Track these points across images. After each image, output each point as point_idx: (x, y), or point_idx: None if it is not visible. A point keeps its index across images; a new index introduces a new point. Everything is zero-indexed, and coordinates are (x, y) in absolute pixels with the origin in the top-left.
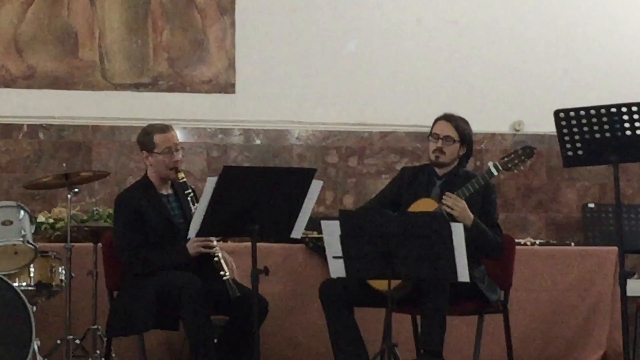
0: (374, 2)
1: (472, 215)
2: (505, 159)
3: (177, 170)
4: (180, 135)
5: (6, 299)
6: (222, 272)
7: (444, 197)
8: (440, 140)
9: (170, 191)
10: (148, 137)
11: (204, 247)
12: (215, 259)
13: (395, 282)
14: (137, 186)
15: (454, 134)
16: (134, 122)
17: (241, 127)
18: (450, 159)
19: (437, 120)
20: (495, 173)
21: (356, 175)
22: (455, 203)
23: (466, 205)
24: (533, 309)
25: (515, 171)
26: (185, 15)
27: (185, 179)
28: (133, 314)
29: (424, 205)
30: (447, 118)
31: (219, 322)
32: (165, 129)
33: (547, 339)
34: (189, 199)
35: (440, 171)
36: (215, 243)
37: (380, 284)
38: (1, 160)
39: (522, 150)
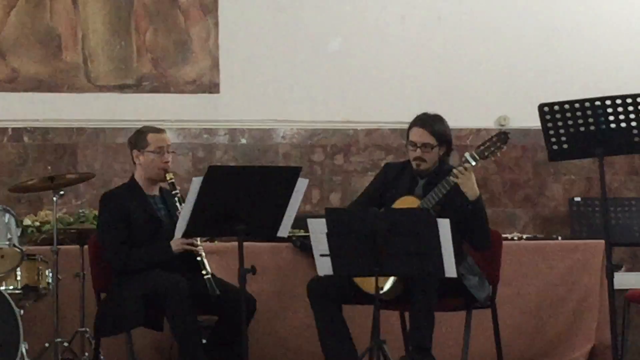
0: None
1: (477, 191)
2: (481, 147)
3: (166, 171)
4: None
5: None
6: (203, 272)
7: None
8: (419, 149)
9: (156, 193)
10: (141, 135)
11: (188, 244)
12: (198, 258)
13: (383, 284)
14: (123, 187)
15: (431, 139)
16: (119, 123)
17: (226, 126)
18: (432, 163)
19: (411, 126)
20: (473, 163)
21: (342, 173)
22: (463, 173)
23: (474, 178)
24: (521, 304)
25: (493, 158)
26: (169, 16)
27: (173, 180)
28: (121, 312)
29: (406, 203)
30: (422, 124)
31: (207, 323)
32: (159, 130)
33: (535, 333)
34: (176, 198)
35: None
36: (198, 242)
37: (369, 286)
38: None
39: (496, 137)
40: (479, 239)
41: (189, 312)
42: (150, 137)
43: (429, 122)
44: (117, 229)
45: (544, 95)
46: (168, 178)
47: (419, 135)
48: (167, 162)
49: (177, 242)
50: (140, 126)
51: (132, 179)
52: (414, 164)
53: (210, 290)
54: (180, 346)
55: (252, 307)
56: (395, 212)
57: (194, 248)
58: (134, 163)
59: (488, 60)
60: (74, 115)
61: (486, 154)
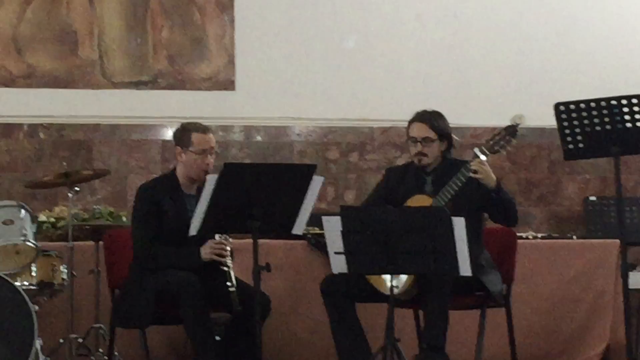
0: None
1: (494, 177)
2: (491, 141)
3: (206, 173)
4: None
5: (8, 299)
6: (228, 284)
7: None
8: (419, 144)
9: (193, 192)
10: (186, 133)
11: (217, 255)
12: (225, 268)
13: (399, 284)
14: (163, 180)
15: (431, 133)
16: (134, 120)
17: (241, 124)
18: (433, 158)
19: (410, 122)
20: (483, 158)
21: (357, 170)
22: (480, 166)
23: (489, 167)
24: (535, 303)
25: (503, 152)
26: (185, 13)
27: None
28: (134, 309)
29: (419, 201)
30: (421, 118)
31: (221, 320)
32: (205, 129)
33: (550, 332)
34: None
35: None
36: (228, 251)
37: (384, 286)
38: (2, 159)
39: (505, 131)
40: (509, 217)
41: (202, 309)
42: (195, 137)
43: (428, 116)
44: (148, 225)
45: (560, 94)
46: None
47: (419, 129)
48: (208, 163)
49: (207, 250)
50: (185, 122)
51: (173, 172)
52: (415, 159)
53: (234, 305)
54: (193, 343)
55: (266, 307)
56: (410, 211)
57: (222, 259)
58: (176, 158)
59: (504, 58)
60: (90, 112)
61: (496, 148)
